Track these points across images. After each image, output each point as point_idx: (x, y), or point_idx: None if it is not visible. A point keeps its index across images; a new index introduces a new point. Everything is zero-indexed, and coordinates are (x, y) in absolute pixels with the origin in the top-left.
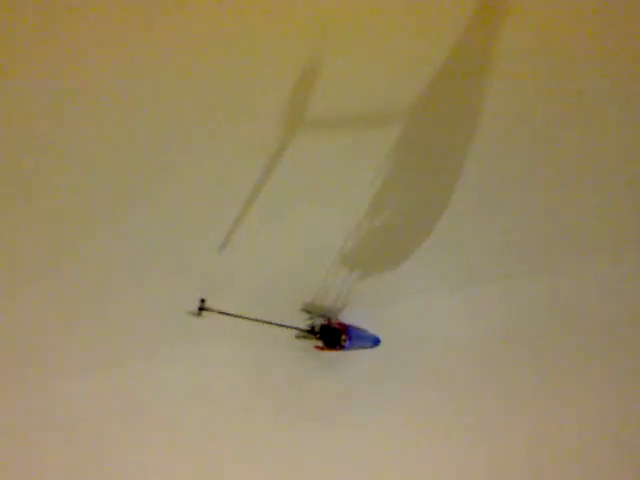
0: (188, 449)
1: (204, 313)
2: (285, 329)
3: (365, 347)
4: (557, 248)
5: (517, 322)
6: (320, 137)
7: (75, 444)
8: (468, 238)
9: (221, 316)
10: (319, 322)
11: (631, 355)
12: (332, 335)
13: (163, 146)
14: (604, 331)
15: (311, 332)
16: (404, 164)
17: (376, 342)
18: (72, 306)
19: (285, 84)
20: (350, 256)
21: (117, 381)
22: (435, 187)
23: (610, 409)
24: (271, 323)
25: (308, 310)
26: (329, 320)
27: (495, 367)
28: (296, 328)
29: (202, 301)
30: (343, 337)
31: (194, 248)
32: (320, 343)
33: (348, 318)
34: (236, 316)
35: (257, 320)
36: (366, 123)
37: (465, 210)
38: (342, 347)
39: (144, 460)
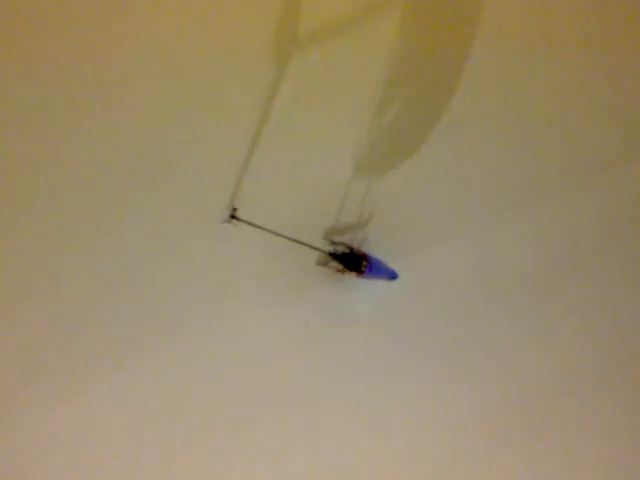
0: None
1: (234, 222)
2: (307, 251)
3: (382, 279)
4: None
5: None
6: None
7: None
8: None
9: (249, 229)
10: (341, 250)
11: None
12: (354, 260)
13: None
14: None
15: (334, 256)
16: (406, 57)
17: (393, 276)
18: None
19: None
20: (364, 164)
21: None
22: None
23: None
24: (298, 241)
25: (330, 238)
26: (351, 248)
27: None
28: (321, 250)
29: (234, 209)
30: (364, 263)
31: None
32: (342, 267)
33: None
34: (266, 230)
35: (285, 237)
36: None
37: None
38: (362, 273)
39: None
